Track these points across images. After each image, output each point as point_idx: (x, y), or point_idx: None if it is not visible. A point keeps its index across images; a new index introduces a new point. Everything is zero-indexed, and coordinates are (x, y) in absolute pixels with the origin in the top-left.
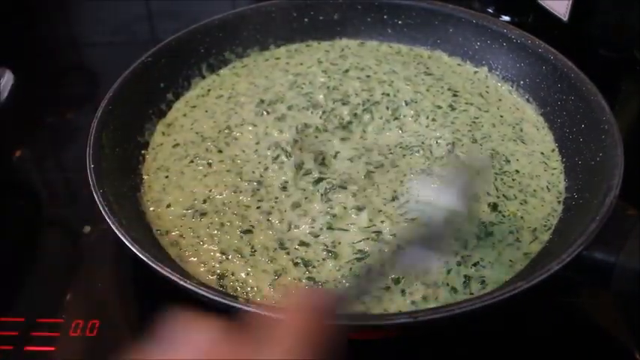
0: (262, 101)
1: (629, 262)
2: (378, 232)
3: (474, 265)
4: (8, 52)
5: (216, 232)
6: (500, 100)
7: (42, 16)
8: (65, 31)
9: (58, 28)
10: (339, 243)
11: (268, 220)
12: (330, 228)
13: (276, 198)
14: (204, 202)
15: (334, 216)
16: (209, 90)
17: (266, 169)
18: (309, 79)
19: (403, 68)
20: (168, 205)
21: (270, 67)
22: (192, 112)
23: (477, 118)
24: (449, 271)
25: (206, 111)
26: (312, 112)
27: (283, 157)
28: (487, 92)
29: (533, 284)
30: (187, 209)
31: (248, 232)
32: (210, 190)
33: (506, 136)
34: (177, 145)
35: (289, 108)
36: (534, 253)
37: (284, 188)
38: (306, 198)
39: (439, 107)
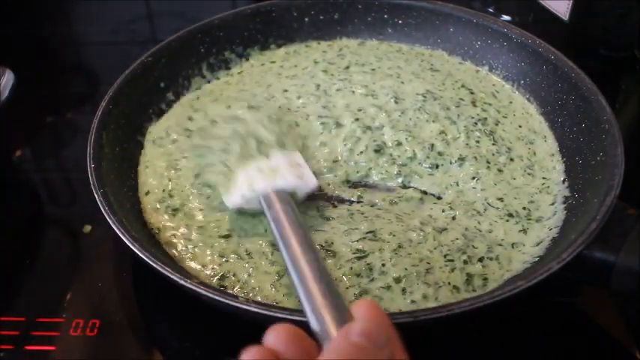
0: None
1: (629, 261)
2: (372, 232)
3: (480, 260)
4: (8, 52)
5: (215, 231)
6: (510, 102)
7: (42, 16)
8: (65, 31)
9: (58, 28)
10: (332, 243)
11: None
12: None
13: None
14: None
15: (327, 219)
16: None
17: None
18: (304, 80)
19: (406, 64)
20: (168, 204)
21: (264, 72)
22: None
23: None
24: (452, 270)
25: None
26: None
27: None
28: (497, 92)
29: (533, 284)
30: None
31: None
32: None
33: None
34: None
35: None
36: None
37: None
38: None
39: (462, 101)
